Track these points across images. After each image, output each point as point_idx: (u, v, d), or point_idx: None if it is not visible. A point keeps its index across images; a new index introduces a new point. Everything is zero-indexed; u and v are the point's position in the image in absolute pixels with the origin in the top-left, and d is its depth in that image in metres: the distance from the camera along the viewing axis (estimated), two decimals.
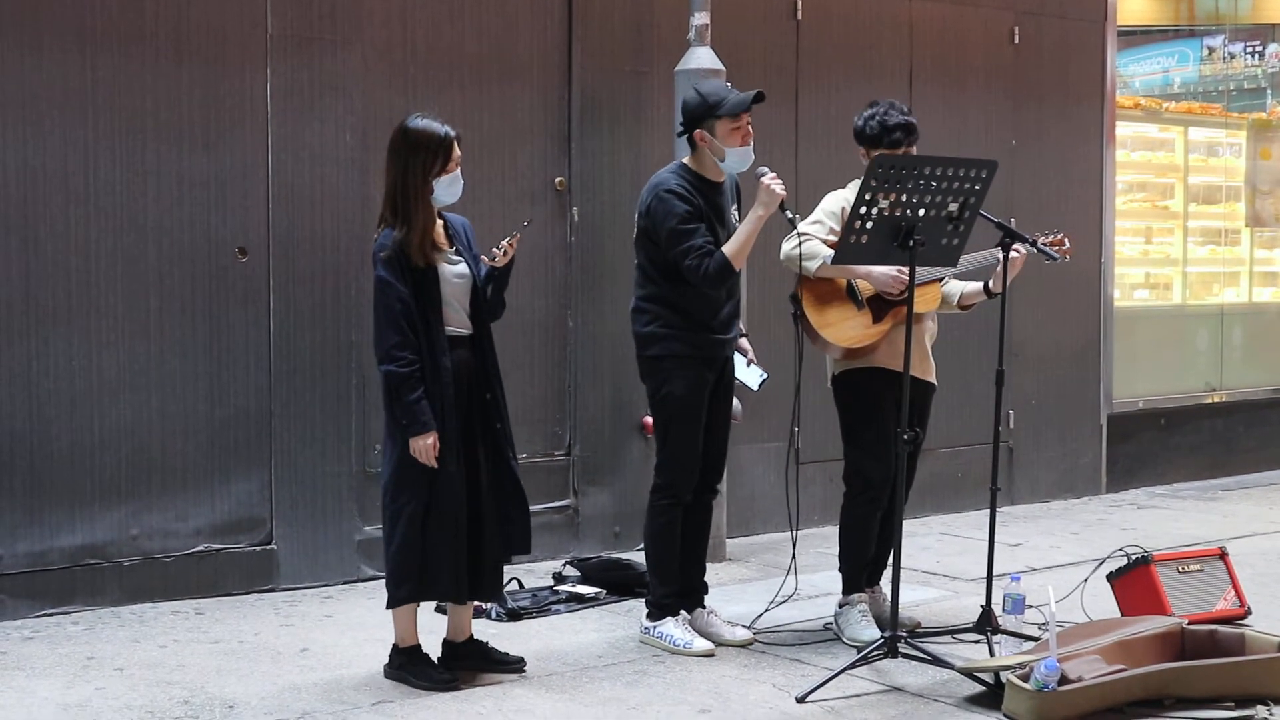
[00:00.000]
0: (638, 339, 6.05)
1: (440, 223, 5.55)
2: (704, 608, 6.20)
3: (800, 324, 6.11)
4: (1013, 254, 6.01)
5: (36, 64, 6.44)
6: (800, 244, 5.95)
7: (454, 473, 5.43)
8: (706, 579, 6.28)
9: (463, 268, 5.52)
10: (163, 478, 6.78)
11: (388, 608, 5.56)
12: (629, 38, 7.98)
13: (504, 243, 5.57)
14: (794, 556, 6.36)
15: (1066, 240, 6.28)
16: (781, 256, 6.06)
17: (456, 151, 5.49)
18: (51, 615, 6.50)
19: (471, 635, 5.76)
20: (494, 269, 5.58)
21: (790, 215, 5.91)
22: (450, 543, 5.43)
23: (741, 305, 6.26)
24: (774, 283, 7.33)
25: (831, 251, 5.83)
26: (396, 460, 5.44)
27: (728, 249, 5.81)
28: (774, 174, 5.86)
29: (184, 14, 6.75)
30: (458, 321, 5.51)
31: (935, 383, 6.32)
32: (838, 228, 5.95)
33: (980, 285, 6.24)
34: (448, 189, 5.48)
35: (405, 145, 5.44)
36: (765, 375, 6.34)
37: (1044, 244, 6.15)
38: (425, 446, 5.35)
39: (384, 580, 5.58)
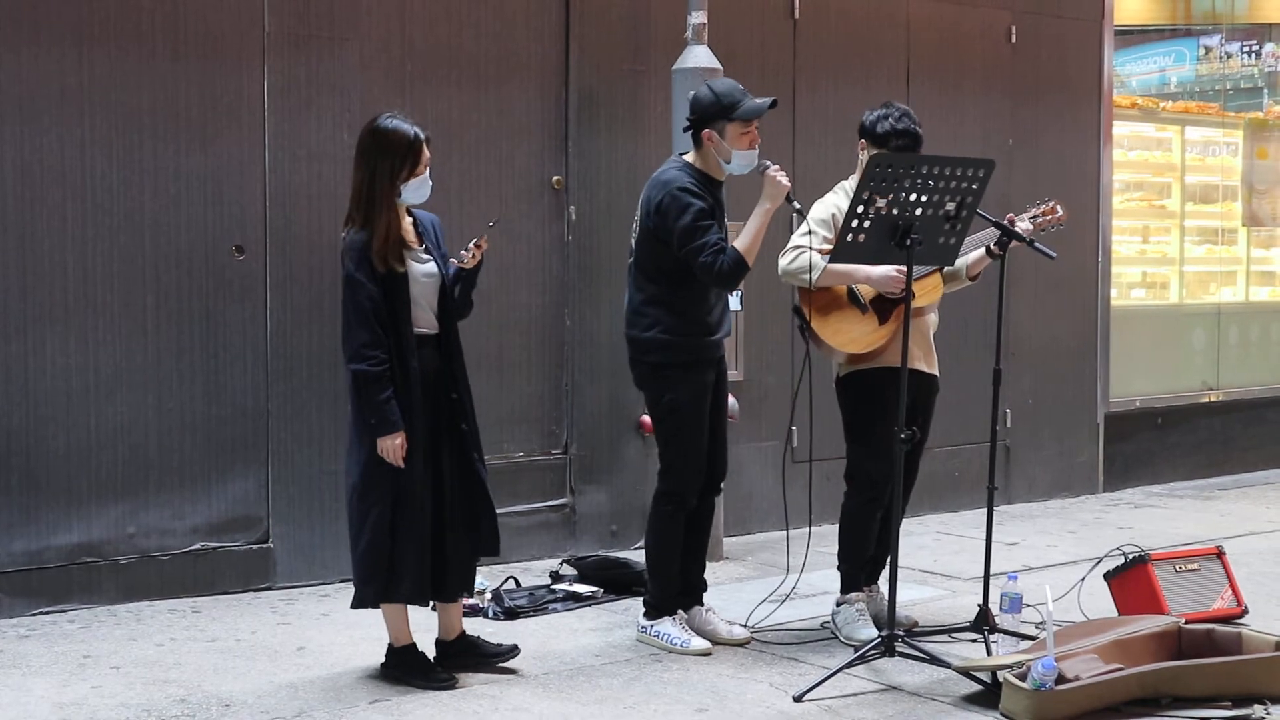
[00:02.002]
0: (636, 344, 5.99)
1: (409, 220, 5.53)
2: (702, 605, 6.20)
3: (807, 335, 6.09)
4: (1018, 227, 6.01)
5: (33, 61, 6.44)
6: (795, 257, 5.94)
7: (421, 474, 5.41)
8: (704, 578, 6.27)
9: (431, 266, 5.49)
10: (159, 476, 6.77)
11: (352, 607, 5.56)
12: (626, 36, 7.97)
13: (472, 244, 5.55)
14: (803, 554, 6.36)
15: (1059, 208, 6.24)
16: (780, 272, 6.04)
17: (426, 153, 5.45)
18: (48, 613, 6.49)
19: (463, 632, 5.75)
20: (463, 269, 5.57)
21: (797, 206, 5.90)
22: (417, 545, 5.41)
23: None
24: (770, 284, 7.31)
25: (826, 260, 5.82)
26: (364, 461, 5.41)
27: (739, 244, 5.76)
28: (778, 166, 5.86)
29: (181, 12, 6.75)
30: (425, 321, 5.48)
31: (938, 375, 6.30)
32: (831, 235, 5.93)
33: (982, 251, 6.17)
34: (416, 191, 5.45)
35: (374, 147, 5.40)
36: (740, 292, 6.36)
37: (1035, 215, 6.15)
38: (394, 446, 5.33)
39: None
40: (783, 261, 6.01)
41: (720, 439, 6.13)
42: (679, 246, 5.78)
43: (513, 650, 5.76)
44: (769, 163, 5.87)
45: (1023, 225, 6.07)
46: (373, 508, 5.40)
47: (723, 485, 6.27)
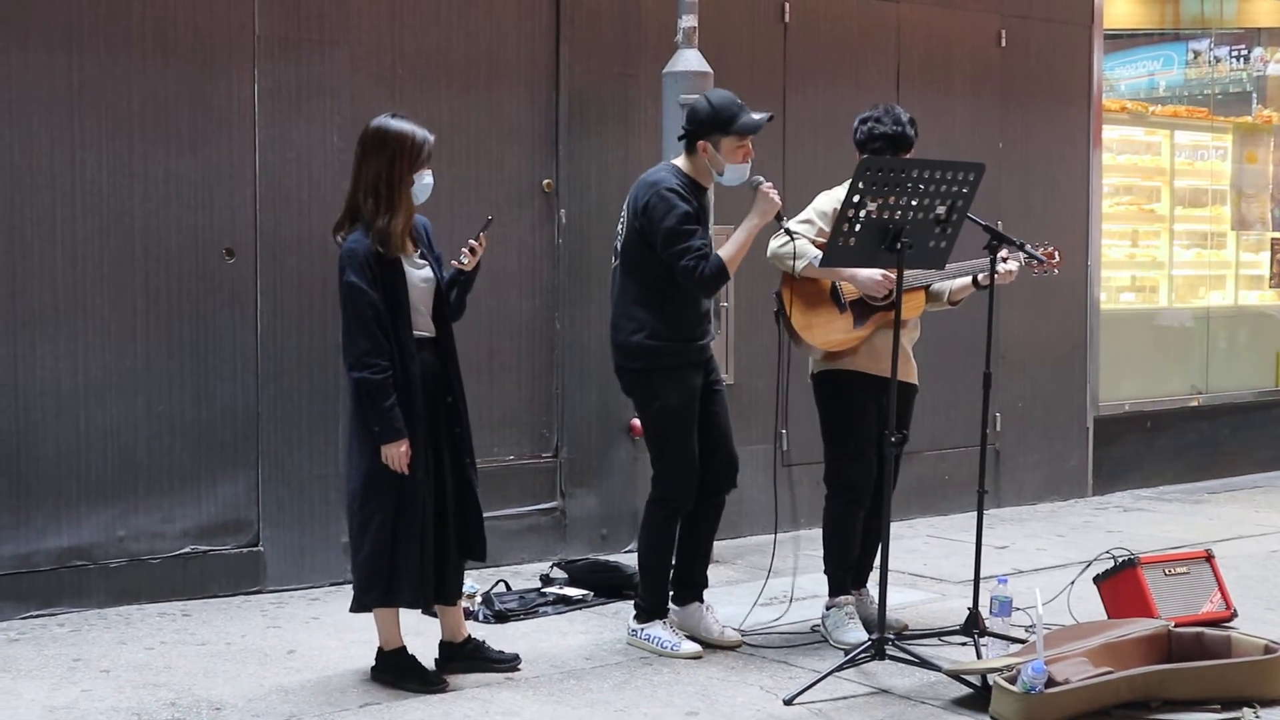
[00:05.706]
0: (622, 349, 5.98)
1: None
2: (702, 602, 6.19)
3: (782, 322, 6.10)
4: (1009, 266, 6.03)
5: (24, 64, 6.43)
6: (787, 241, 5.94)
7: (422, 479, 5.41)
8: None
9: (427, 271, 5.49)
10: (149, 479, 6.77)
11: (351, 610, 5.55)
12: (616, 40, 7.97)
13: (471, 242, 5.54)
14: (789, 558, 6.36)
15: (1057, 253, 6.27)
16: (769, 254, 6.05)
17: (429, 150, 5.47)
18: (38, 617, 6.48)
19: (469, 635, 5.76)
20: (461, 271, 5.57)
21: (786, 225, 5.92)
22: (418, 550, 5.41)
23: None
24: (759, 287, 7.32)
25: (819, 253, 5.83)
26: (367, 468, 5.38)
27: (723, 254, 5.77)
28: (770, 184, 5.85)
29: (171, 15, 6.74)
30: (421, 325, 5.47)
31: (917, 383, 6.32)
32: (827, 228, 5.94)
33: (969, 279, 6.22)
34: (424, 187, 5.46)
35: (386, 141, 5.37)
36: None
37: (1033, 254, 6.16)
38: (399, 454, 5.31)
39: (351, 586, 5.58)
40: (773, 244, 6.01)
41: (719, 437, 6.10)
42: (663, 248, 5.78)
43: (514, 660, 5.77)
44: (761, 179, 5.86)
45: (1015, 260, 6.10)
46: (375, 514, 5.38)
47: (737, 480, 6.23)
